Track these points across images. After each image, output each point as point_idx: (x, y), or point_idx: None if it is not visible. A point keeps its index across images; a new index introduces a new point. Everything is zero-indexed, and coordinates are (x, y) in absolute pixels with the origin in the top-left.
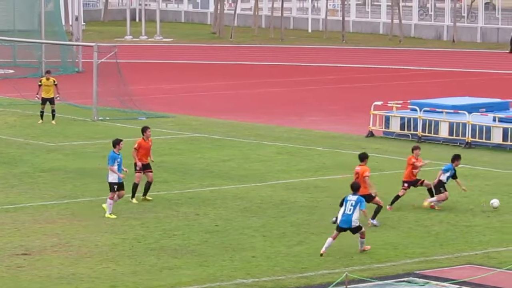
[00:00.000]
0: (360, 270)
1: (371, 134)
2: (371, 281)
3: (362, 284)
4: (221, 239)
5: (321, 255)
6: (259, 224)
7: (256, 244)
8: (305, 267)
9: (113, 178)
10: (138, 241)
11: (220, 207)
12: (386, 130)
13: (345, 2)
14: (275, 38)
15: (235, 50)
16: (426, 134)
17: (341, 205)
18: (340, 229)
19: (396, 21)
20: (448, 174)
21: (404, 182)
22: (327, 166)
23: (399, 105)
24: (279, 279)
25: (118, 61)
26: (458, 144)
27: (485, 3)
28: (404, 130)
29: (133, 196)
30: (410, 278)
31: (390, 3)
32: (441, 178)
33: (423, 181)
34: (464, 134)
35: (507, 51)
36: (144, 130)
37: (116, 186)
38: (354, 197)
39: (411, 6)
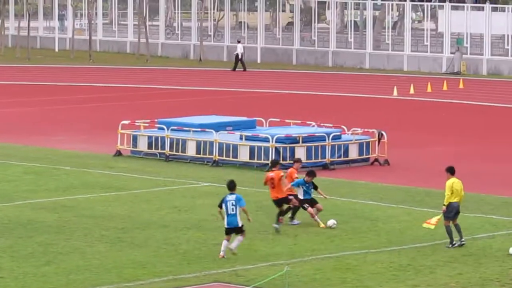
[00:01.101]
0: None
1: (118, 153)
2: None
3: None
4: None
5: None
6: (6, 244)
7: (4, 264)
8: (53, 287)
9: None
10: None
11: None
12: (134, 149)
13: (92, 22)
14: (22, 57)
15: None
16: (174, 152)
17: (220, 206)
18: (228, 231)
19: (143, 40)
20: (301, 189)
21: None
22: (74, 185)
23: (147, 124)
24: None
25: None
26: (205, 162)
27: (239, 22)
28: (152, 149)
29: None
30: None
31: (137, 22)
32: (299, 197)
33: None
34: (211, 153)
35: (241, 69)
36: None
37: None
38: (233, 196)
39: (158, 26)
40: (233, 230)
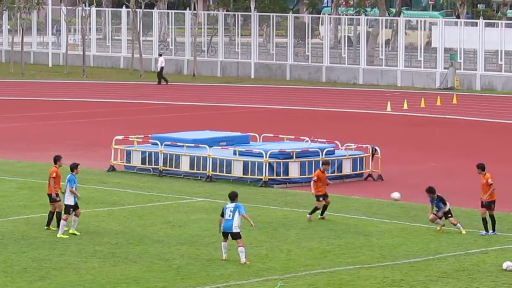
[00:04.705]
0: None
1: (112, 169)
2: None
3: None
4: None
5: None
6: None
7: None
8: None
9: (70, 200)
10: None
11: None
12: (128, 164)
13: (86, 37)
14: (15, 73)
15: None
16: (168, 168)
17: (222, 215)
18: (224, 234)
19: (136, 55)
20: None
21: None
22: None
23: (140, 140)
24: None
25: None
26: (199, 177)
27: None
28: (145, 164)
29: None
30: None
31: (130, 38)
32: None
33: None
34: (205, 168)
35: (163, 83)
36: (58, 159)
37: (72, 208)
38: (232, 205)
39: (152, 41)
40: (228, 234)
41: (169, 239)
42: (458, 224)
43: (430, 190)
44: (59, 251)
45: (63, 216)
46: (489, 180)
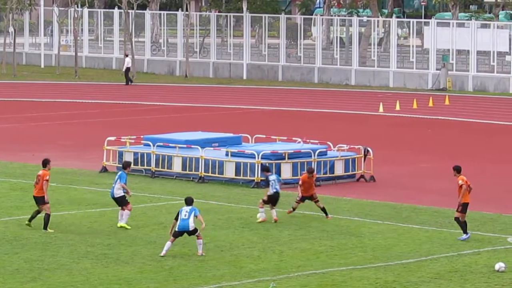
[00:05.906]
0: None
1: (104, 170)
2: None
3: None
4: None
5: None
6: None
7: None
8: None
9: (121, 192)
10: None
11: None
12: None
13: (78, 38)
14: (7, 74)
15: None
16: (160, 169)
17: (176, 218)
18: (177, 234)
19: None
20: None
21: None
22: (60, 201)
23: (133, 140)
24: None
25: None
26: (191, 178)
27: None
28: (137, 165)
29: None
30: None
31: (122, 39)
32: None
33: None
34: (197, 169)
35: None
36: (48, 162)
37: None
38: (188, 207)
39: (144, 42)
40: (183, 233)
41: (162, 240)
42: (261, 209)
43: (265, 169)
44: (52, 252)
45: (128, 206)
46: (459, 182)
